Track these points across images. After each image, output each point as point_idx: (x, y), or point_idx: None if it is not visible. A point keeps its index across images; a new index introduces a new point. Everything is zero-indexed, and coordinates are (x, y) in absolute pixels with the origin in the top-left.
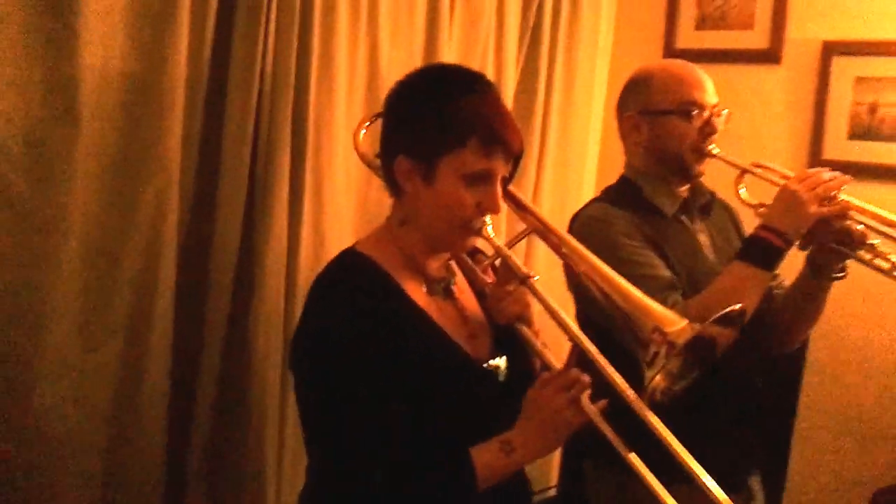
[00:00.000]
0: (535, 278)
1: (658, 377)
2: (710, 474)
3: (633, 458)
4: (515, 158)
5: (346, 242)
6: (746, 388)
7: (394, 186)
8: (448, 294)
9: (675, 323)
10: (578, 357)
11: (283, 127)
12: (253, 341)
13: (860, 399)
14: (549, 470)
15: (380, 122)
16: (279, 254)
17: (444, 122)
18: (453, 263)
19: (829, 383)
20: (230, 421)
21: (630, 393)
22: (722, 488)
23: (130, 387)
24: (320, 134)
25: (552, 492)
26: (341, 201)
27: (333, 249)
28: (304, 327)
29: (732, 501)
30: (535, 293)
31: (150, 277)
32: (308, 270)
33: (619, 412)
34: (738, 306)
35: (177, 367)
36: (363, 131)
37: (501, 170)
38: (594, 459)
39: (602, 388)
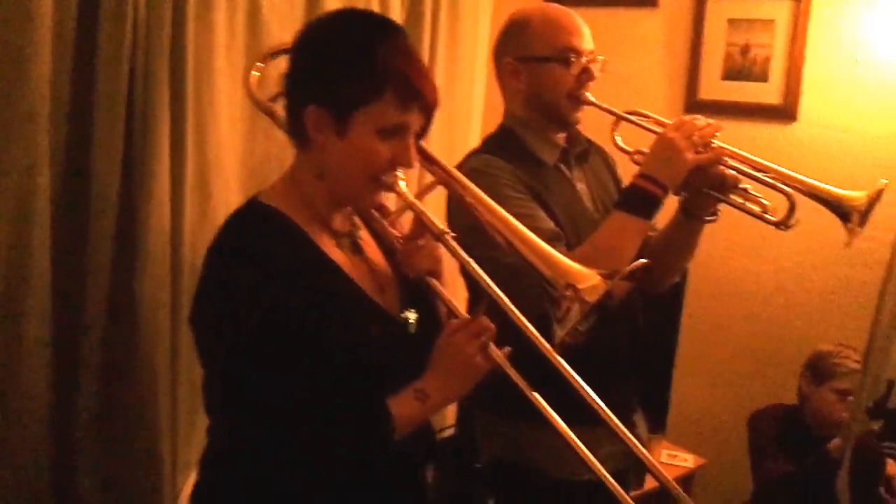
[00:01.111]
0: (451, 234)
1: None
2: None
3: (538, 398)
4: (429, 111)
5: (232, 198)
6: (629, 328)
7: (299, 137)
8: (355, 248)
9: (588, 279)
10: (487, 307)
11: (161, 80)
12: (139, 302)
13: (736, 328)
14: (445, 411)
15: (268, 64)
16: (162, 211)
17: (361, 74)
18: (357, 217)
19: (706, 315)
20: (118, 388)
21: (542, 341)
22: None
23: (5, 356)
24: (200, 80)
25: (449, 431)
26: (225, 154)
27: (219, 205)
28: (213, 279)
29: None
30: (451, 249)
31: (25, 239)
32: (193, 226)
33: (520, 360)
34: (642, 261)
35: (58, 333)
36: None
37: (416, 123)
38: (485, 409)
39: (506, 337)
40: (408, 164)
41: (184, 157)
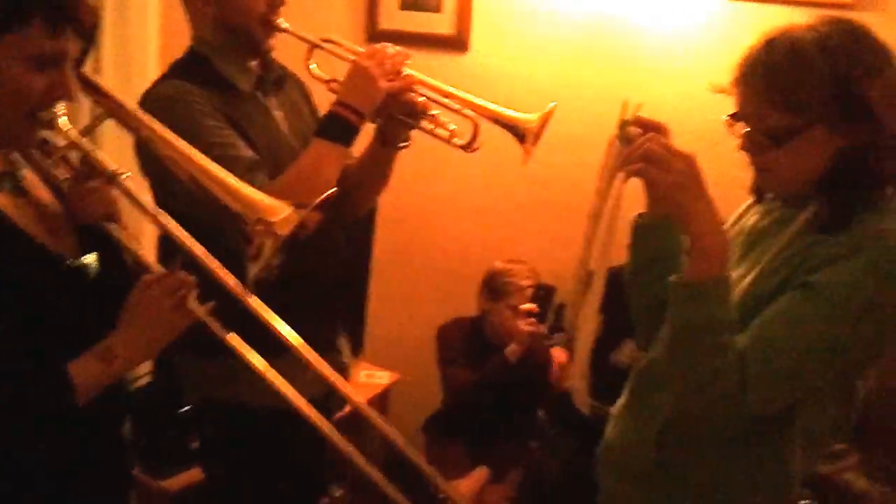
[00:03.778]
0: (125, 175)
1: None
2: (304, 340)
3: (234, 339)
4: (88, 36)
5: None
6: (331, 257)
7: None
8: (18, 190)
9: (279, 212)
10: (183, 257)
11: None
12: None
13: (424, 249)
14: None
15: None
16: None
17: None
18: (17, 155)
19: (397, 238)
20: None
21: (236, 286)
22: (315, 350)
23: None
24: None
25: (145, 380)
26: None
27: None
28: None
29: (325, 361)
30: (125, 191)
31: None
32: None
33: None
34: (333, 191)
35: None
36: None
37: (73, 50)
38: (184, 352)
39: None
40: (66, 96)
41: None
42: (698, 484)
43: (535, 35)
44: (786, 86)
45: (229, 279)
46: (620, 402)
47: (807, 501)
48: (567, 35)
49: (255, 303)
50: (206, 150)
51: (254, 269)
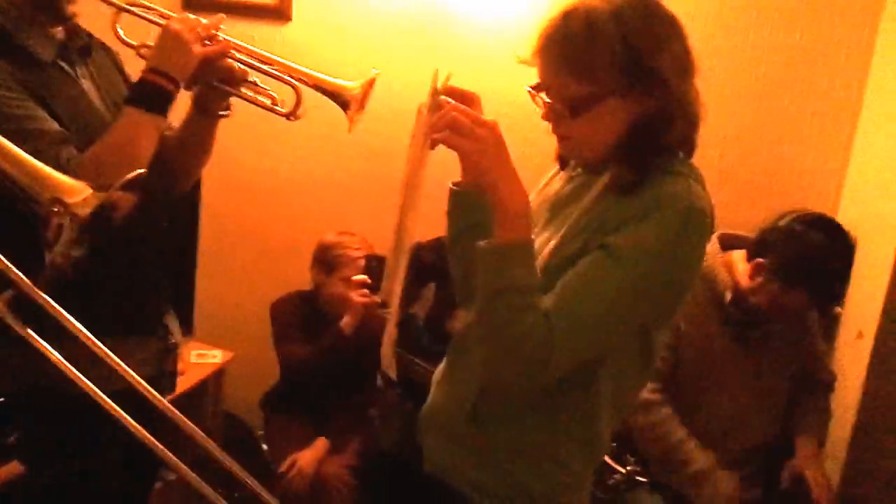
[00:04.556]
0: None
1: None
2: (129, 322)
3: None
4: None
5: None
6: (153, 234)
7: None
8: None
9: (77, 192)
10: None
11: None
12: None
13: (252, 223)
14: None
15: None
16: None
17: None
18: None
19: (224, 213)
20: None
21: (25, 281)
22: (141, 332)
23: None
24: None
25: None
26: None
27: None
28: None
29: (154, 342)
30: None
31: None
32: None
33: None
34: (140, 171)
35: None
36: None
37: None
38: None
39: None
40: None
41: None
42: (509, 443)
43: (357, 4)
44: (581, 57)
45: (22, 279)
46: (440, 366)
47: (633, 467)
48: (390, 5)
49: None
50: (4, 123)
51: (52, 255)
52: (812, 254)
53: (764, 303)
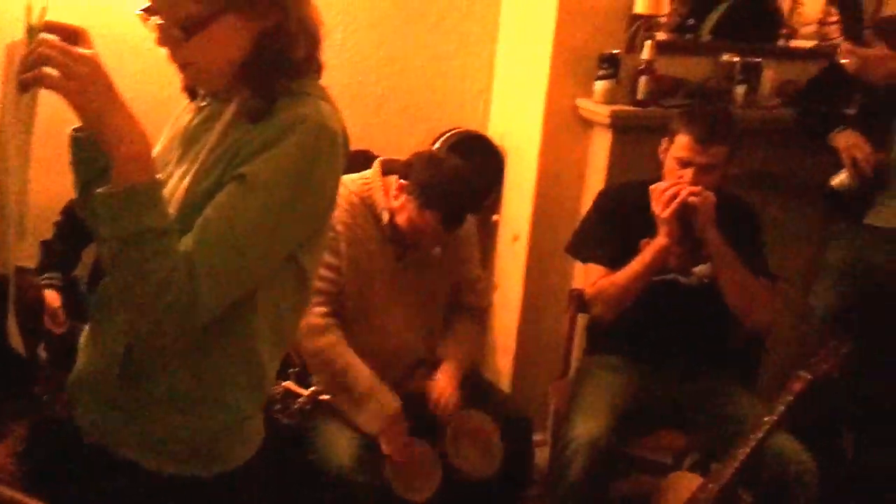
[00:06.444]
0: None
1: None
2: None
3: None
4: None
5: None
6: None
7: None
8: None
9: None
10: None
11: None
12: None
13: None
14: None
15: None
16: None
17: None
18: None
19: None
20: None
21: None
22: None
23: None
24: None
25: None
26: None
27: None
28: None
29: None
30: None
31: None
32: None
33: None
34: None
35: None
36: None
37: None
38: None
39: None
40: None
41: None
42: (166, 396)
43: None
44: None
45: None
46: (84, 331)
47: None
48: None
49: None
50: None
51: None
52: (446, 178)
53: (404, 222)
